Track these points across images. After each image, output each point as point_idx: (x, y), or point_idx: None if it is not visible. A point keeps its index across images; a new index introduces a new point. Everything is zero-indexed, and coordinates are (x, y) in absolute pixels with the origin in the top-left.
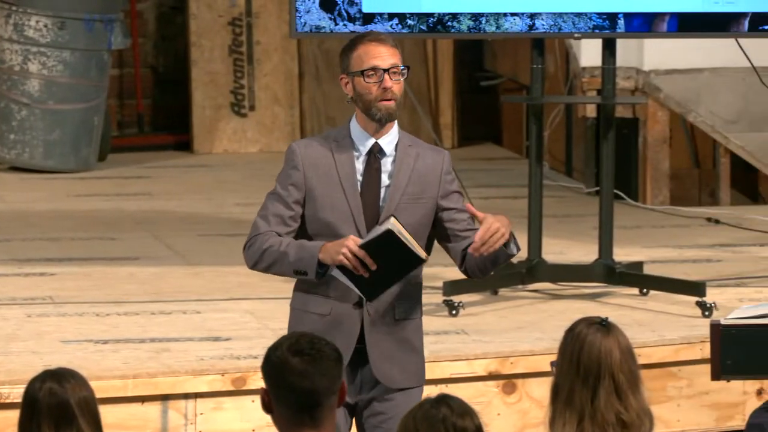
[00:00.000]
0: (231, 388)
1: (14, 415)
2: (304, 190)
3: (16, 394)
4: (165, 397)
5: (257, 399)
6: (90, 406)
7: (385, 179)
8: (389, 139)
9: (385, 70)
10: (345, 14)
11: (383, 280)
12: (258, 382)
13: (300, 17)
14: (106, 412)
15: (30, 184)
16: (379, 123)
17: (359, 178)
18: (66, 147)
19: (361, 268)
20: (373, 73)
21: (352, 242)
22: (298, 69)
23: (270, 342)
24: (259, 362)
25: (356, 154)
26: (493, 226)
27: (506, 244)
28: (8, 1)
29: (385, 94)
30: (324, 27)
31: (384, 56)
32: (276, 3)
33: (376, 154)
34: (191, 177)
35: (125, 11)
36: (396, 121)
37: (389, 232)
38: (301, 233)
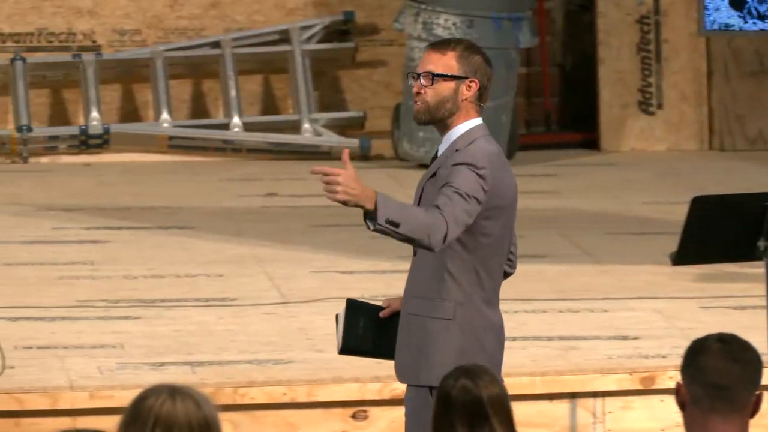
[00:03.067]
0: (639, 387)
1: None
2: None
3: None
4: (573, 395)
5: (666, 398)
6: (503, 403)
7: None
8: (444, 144)
9: (418, 76)
10: (755, 12)
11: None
12: (667, 381)
13: (709, 15)
14: (513, 409)
15: None
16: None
17: None
18: None
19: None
20: (412, 78)
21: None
22: (707, 67)
23: (678, 342)
24: (668, 362)
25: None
26: (333, 174)
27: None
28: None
29: (415, 98)
30: (733, 25)
31: (423, 62)
32: (684, 1)
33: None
34: (598, 175)
35: (533, 10)
36: (463, 127)
37: (336, 316)
38: None
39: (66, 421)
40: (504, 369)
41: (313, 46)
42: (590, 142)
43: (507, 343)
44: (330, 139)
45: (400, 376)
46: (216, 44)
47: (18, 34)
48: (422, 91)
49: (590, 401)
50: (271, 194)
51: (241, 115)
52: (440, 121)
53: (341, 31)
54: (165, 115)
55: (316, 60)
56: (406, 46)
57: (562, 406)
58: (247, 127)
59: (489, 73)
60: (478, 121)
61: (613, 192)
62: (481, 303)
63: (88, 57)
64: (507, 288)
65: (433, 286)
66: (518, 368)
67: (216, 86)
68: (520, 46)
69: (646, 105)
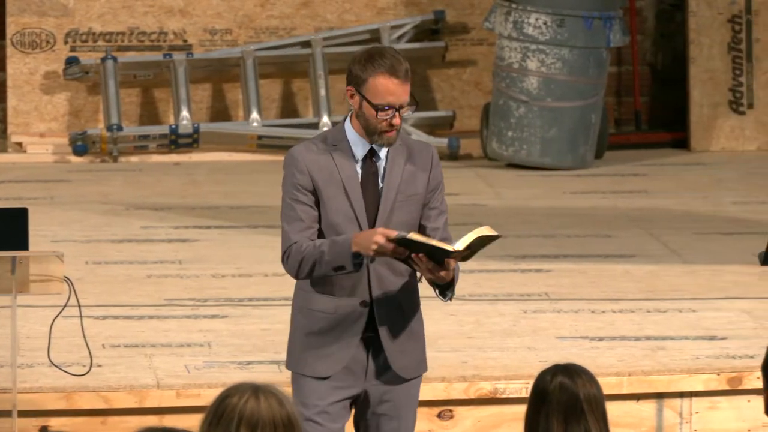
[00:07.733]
0: (726, 387)
1: (509, 410)
2: (313, 191)
3: (512, 389)
4: (660, 396)
5: (753, 399)
6: (599, 403)
7: (379, 181)
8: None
9: (397, 109)
10: None
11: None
12: (754, 382)
13: None
14: None
15: (526, 181)
16: (378, 146)
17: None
18: (563, 144)
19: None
20: (387, 109)
21: (381, 236)
22: None
23: (767, 342)
24: (755, 362)
25: (354, 157)
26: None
27: (444, 291)
28: None
29: (390, 128)
30: None
31: (398, 93)
32: None
33: (371, 158)
34: (687, 175)
35: (624, 9)
36: None
37: (404, 239)
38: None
39: (153, 420)
40: (591, 369)
41: (403, 45)
42: (680, 141)
43: (594, 343)
44: (419, 138)
45: (408, 371)
46: (306, 44)
47: (109, 33)
48: (399, 121)
49: (677, 401)
50: None
51: (330, 115)
52: None
53: (431, 30)
54: (255, 115)
55: (406, 59)
56: (496, 46)
57: (648, 407)
58: None
59: None
60: None
61: (702, 192)
62: None
63: (178, 56)
64: (592, 288)
65: (414, 279)
66: (606, 368)
67: (306, 86)
68: (611, 45)
69: (737, 104)
